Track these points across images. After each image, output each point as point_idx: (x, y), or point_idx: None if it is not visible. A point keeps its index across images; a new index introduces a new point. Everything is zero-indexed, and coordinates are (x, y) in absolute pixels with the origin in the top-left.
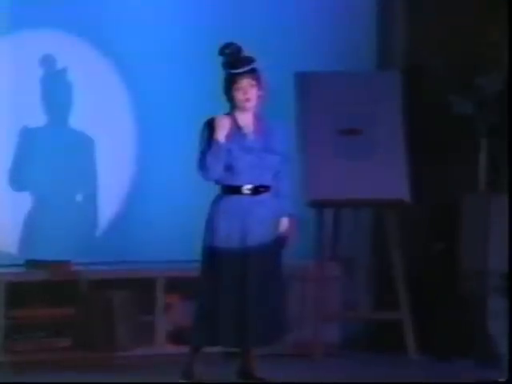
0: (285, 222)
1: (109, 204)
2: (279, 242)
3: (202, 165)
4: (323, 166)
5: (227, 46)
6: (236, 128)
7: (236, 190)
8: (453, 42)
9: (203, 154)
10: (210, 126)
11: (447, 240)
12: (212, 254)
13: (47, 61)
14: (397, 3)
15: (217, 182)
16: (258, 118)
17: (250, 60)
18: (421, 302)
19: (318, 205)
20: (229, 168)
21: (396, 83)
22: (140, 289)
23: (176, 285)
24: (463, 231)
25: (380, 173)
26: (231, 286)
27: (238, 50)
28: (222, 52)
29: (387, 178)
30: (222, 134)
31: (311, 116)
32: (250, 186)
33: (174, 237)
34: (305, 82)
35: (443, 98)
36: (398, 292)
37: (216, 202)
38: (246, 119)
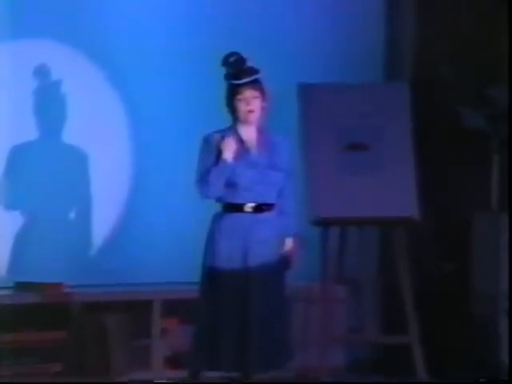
0: (289, 242)
1: (103, 222)
2: (283, 262)
3: (204, 183)
4: (328, 183)
5: (231, 55)
6: (238, 142)
7: (238, 207)
8: (463, 51)
9: (205, 172)
10: (209, 144)
11: (458, 260)
12: (212, 276)
13: (41, 72)
14: (405, 12)
15: (217, 199)
16: (261, 131)
17: (253, 71)
18: (430, 324)
19: (323, 223)
20: (230, 184)
21: (404, 95)
22: (136, 312)
23: (173, 308)
24: (474, 251)
25: (388, 189)
26: (232, 309)
27: (242, 60)
28: (225, 62)
29: (395, 194)
30: (229, 155)
31: (315, 130)
32: (252, 204)
33: (171, 257)
34: (308, 94)
35: (454, 111)
36: (406, 314)
37: (216, 220)
38: (248, 133)
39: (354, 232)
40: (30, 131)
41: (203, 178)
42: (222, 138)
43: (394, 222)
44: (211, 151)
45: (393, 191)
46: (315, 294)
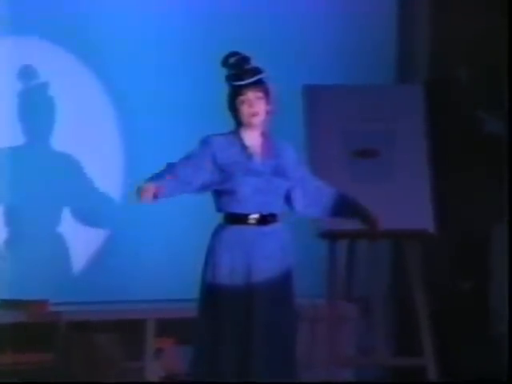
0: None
1: (92, 234)
2: (290, 279)
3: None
4: None
5: (232, 55)
6: (241, 147)
7: (240, 219)
8: (480, 52)
9: (184, 161)
10: (207, 144)
11: (475, 276)
12: (212, 292)
13: (28, 73)
14: (419, 9)
15: (219, 209)
16: (265, 136)
17: (256, 70)
18: (446, 345)
19: (330, 236)
20: (232, 193)
21: (417, 97)
22: (128, 331)
23: (169, 327)
24: (493, 266)
25: (400, 199)
26: (234, 329)
27: (244, 60)
28: (225, 62)
29: (408, 205)
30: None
31: (321, 135)
32: (256, 215)
33: (166, 272)
34: (314, 96)
35: (471, 115)
36: (420, 334)
37: (217, 232)
38: (252, 137)
39: (363, 246)
40: (14, 137)
41: (175, 165)
42: (222, 141)
43: (407, 235)
44: (203, 154)
45: (406, 202)
46: (322, 312)
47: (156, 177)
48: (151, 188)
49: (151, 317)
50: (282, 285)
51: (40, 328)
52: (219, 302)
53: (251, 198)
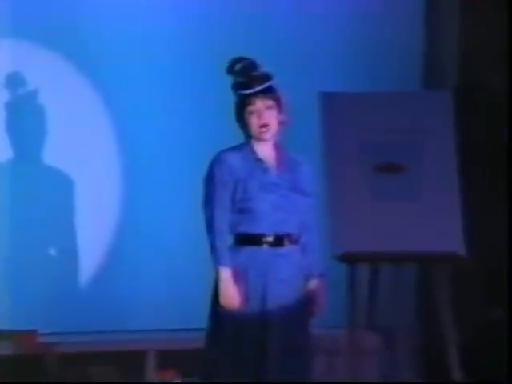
0: (313, 284)
1: (87, 260)
2: (306, 307)
3: (210, 227)
4: (356, 212)
5: (238, 61)
6: (254, 161)
7: (254, 239)
8: None
9: (213, 203)
10: (222, 166)
11: (509, 302)
12: (223, 321)
13: (16, 81)
14: (447, 10)
15: (230, 229)
16: (279, 148)
17: (265, 77)
18: (476, 378)
19: (351, 259)
20: (244, 211)
21: (446, 105)
22: (126, 364)
23: (171, 359)
24: None
25: (427, 219)
26: (247, 360)
27: (252, 65)
28: (231, 69)
29: (436, 225)
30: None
31: (340, 148)
32: (271, 236)
33: (168, 300)
34: (332, 105)
35: (504, 125)
36: (449, 367)
37: (229, 254)
38: (265, 150)
39: (387, 270)
40: (1, 151)
41: (209, 220)
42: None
43: (435, 258)
44: (224, 180)
45: (434, 222)
46: (342, 343)
47: (223, 257)
48: (236, 297)
49: (151, 348)
50: (299, 311)
51: (29, 361)
52: (230, 330)
53: (266, 217)
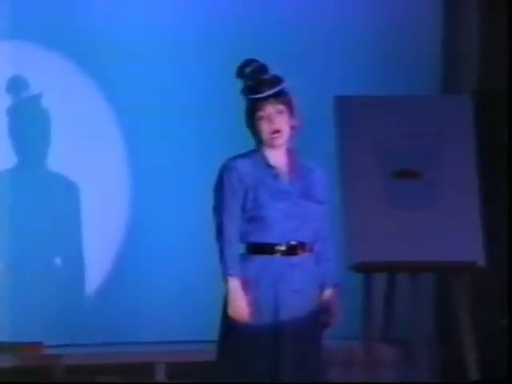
0: (328, 294)
1: (93, 269)
2: (320, 318)
3: (220, 234)
4: (372, 220)
5: (247, 64)
6: (265, 167)
7: (266, 249)
8: None
9: (223, 211)
10: (232, 175)
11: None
12: (233, 332)
13: (18, 84)
14: (467, 11)
15: (241, 238)
16: (292, 154)
17: (276, 80)
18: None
19: (366, 269)
20: (255, 219)
21: (465, 110)
22: (135, 377)
23: (181, 371)
24: None
25: (446, 227)
26: (260, 372)
27: (262, 68)
28: (241, 73)
29: (455, 234)
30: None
31: (355, 154)
32: (284, 245)
33: (177, 311)
34: (346, 109)
35: (505, 125)
36: (469, 381)
37: (240, 264)
38: (277, 156)
39: (404, 280)
40: (3, 157)
41: (220, 230)
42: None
43: (453, 268)
44: (234, 187)
45: (452, 230)
46: (357, 355)
47: (232, 266)
48: (245, 308)
49: (161, 360)
50: (312, 323)
51: (34, 373)
52: (242, 342)
53: (278, 225)
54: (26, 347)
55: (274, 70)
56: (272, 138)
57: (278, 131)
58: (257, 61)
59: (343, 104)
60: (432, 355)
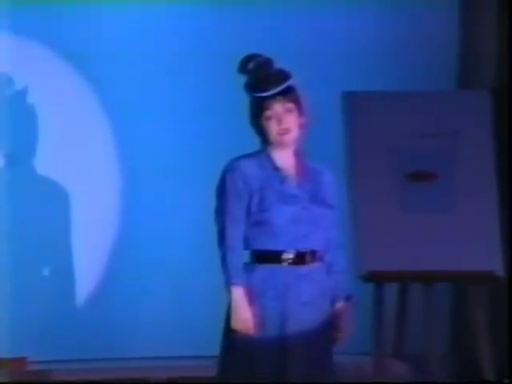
0: (339, 307)
1: (84, 281)
2: (330, 332)
3: (222, 239)
4: (384, 225)
5: (250, 58)
6: (271, 169)
7: (272, 257)
8: None
9: (226, 215)
10: (235, 177)
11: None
12: (237, 347)
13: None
14: (485, 7)
15: (245, 245)
16: (299, 155)
17: (283, 76)
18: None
19: (377, 279)
20: (261, 224)
21: (483, 107)
22: None
23: None
24: None
25: (462, 234)
26: None
27: (267, 63)
28: (243, 68)
29: (472, 241)
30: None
31: (365, 154)
32: (292, 253)
33: (174, 325)
34: (356, 106)
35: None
36: None
37: (244, 274)
38: (284, 157)
39: (417, 290)
40: None
41: (221, 232)
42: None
43: (470, 277)
44: (238, 189)
45: (469, 237)
46: (367, 372)
47: (235, 274)
48: (249, 320)
49: (157, 376)
50: (322, 337)
51: None
52: (247, 357)
53: (286, 231)
54: (8, 362)
55: (280, 64)
56: (281, 138)
57: (287, 131)
58: (261, 55)
59: (352, 100)
60: (447, 372)
